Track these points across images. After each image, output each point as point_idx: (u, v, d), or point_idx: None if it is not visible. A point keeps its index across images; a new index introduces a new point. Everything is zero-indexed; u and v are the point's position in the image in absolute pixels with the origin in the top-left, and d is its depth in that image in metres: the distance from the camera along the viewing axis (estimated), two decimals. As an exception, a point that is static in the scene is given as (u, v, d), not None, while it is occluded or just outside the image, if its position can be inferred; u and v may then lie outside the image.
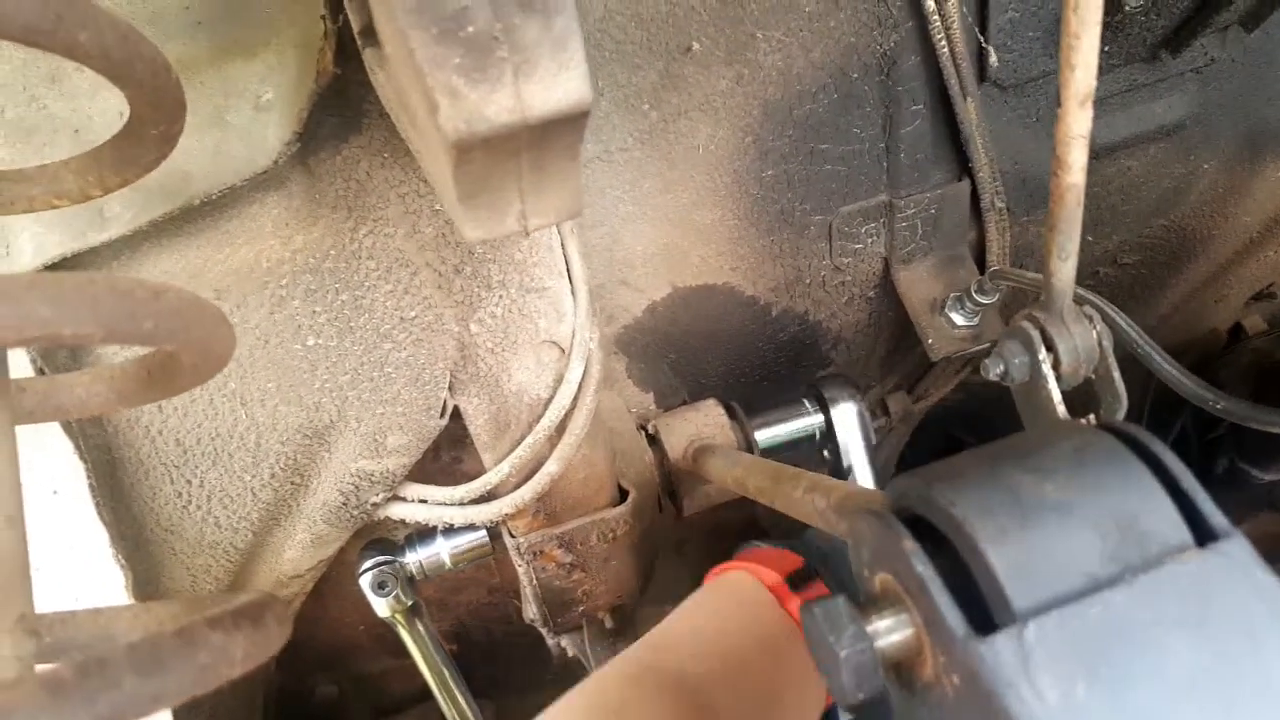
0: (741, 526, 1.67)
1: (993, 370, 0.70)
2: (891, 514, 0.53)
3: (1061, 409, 0.68)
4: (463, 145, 0.54)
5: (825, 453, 1.38)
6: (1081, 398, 0.72)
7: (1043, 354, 0.69)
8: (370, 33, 0.69)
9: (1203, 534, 0.47)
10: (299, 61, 0.82)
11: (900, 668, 0.53)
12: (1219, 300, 1.63)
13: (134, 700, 0.41)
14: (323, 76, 0.81)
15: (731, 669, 0.96)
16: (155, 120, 0.62)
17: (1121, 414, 0.70)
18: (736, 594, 1.06)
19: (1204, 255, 1.48)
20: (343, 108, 0.87)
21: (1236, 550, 0.46)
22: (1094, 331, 0.68)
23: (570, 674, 1.69)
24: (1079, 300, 0.74)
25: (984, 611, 0.47)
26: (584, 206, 1.13)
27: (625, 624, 1.53)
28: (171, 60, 0.80)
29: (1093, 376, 0.69)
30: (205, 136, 0.83)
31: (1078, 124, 0.61)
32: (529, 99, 0.54)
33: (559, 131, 0.58)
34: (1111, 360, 0.68)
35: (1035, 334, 0.69)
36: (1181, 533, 0.47)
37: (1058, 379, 0.68)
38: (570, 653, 1.60)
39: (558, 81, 0.54)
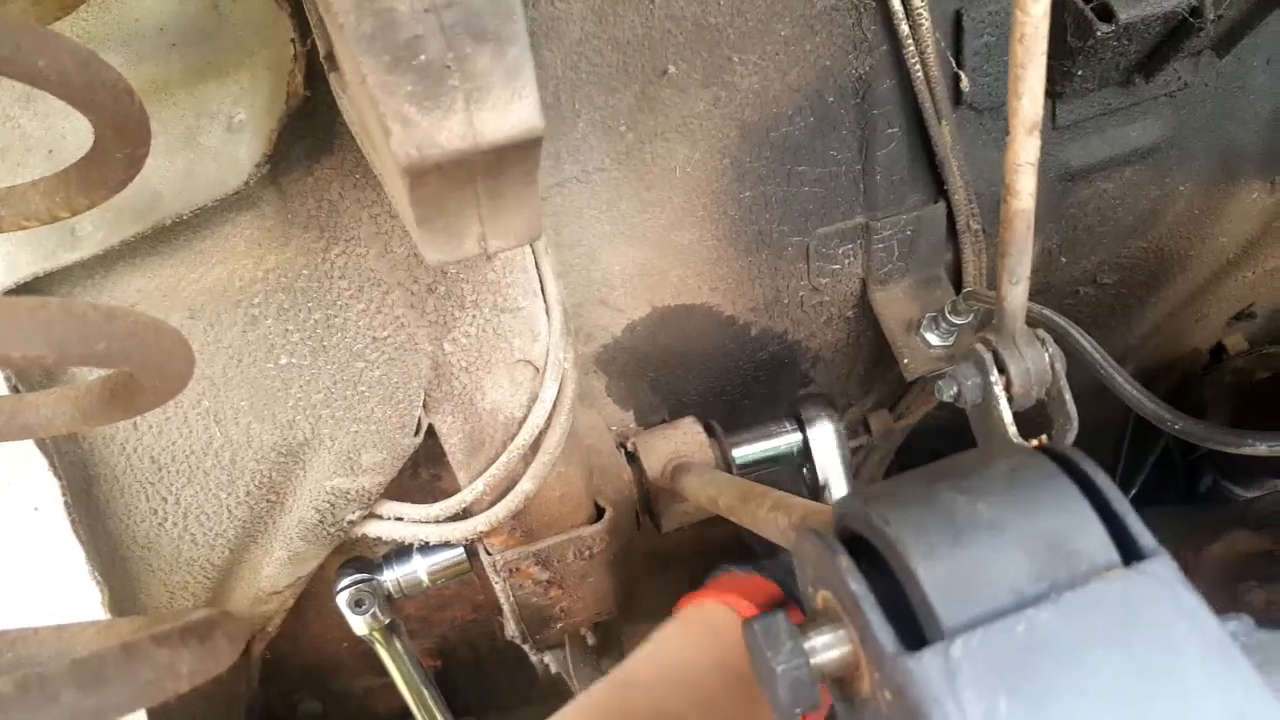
0: (726, 543, 1.68)
1: (946, 392, 0.71)
2: (832, 533, 0.54)
3: (1012, 430, 0.69)
4: (415, 171, 0.56)
5: (805, 471, 1.38)
6: (1038, 419, 0.73)
7: (994, 376, 0.70)
8: (333, 58, 0.70)
9: (1130, 553, 0.48)
10: (271, 83, 0.83)
11: (841, 683, 0.54)
12: (1200, 320, 1.64)
13: (73, 715, 0.42)
14: (293, 98, 0.82)
15: (707, 706, 0.95)
16: (120, 144, 0.63)
17: (1072, 435, 0.71)
18: (710, 626, 1.05)
19: (1182, 275, 1.49)
20: (314, 129, 0.88)
21: (1161, 570, 0.47)
22: (1046, 354, 0.69)
23: (555, 690, 1.70)
24: (1037, 322, 0.75)
25: (917, 629, 0.48)
26: (562, 226, 1.14)
27: (608, 641, 1.53)
28: (145, 81, 0.82)
29: (1045, 398, 0.70)
30: (178, 157, 0.84)
31: (1025, 152, 0.62)
32: (480, 126, 0.55)
33: (513, 158, 0.59)
34: (1063, 382, 0.69)
35: (988, 356, 0.70)
36: (1109, 552, 0.48)
37: (1009, 401, 0.69)
38: (554, 669, 1.61)
39: (510, 109, 0.56)
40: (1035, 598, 0.46)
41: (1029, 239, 0.66)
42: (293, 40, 0.80)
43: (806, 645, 0.51)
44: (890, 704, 0.47)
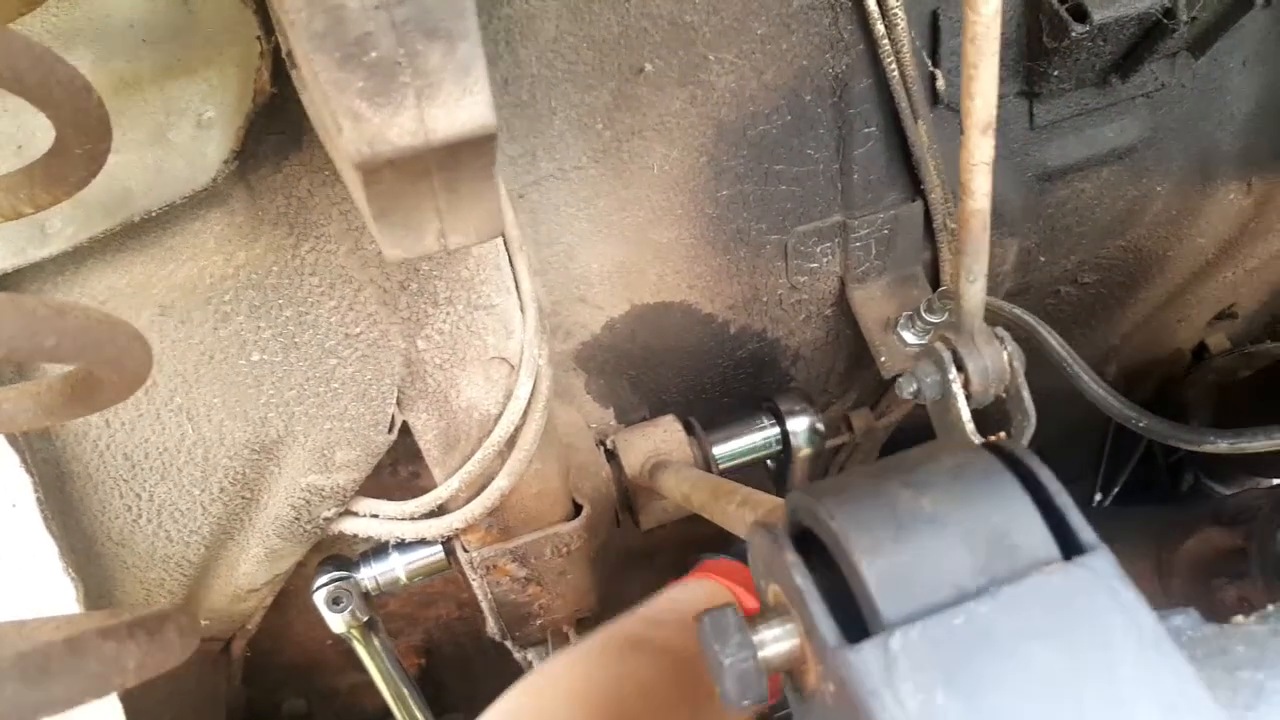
0: (707, 540, 1.68)
1: (905, 389, 0.71)
2: (783, 527, 0.54)
3: (970, 427, 0.70)
4: (367, 167, 0.56)
5: (769, 463, 1.39)
6: (997, 417, 0.73)
7: (953, 374, 0.70)
8: (293, 55, 0.70)
9: (1070, 548, 0.48)
10: (239, 80, 0.83)
11: (792, 676, 0.54)
12: (1181, 320, 1.64)
13: (16, 707, 0.42)
14: (260, 95, 0.83)
15: None
16: (79, 140, 0.63)
17: (1030, 432, 0.71)
18: (714, 592, 1.07)
19: (1162, 275, 1.50)
20: (282, 126, 0.89)
21: (1101, 564, 0.47)
22: (1004, 352, 0.69)
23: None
24: (999, 320, 0.75)
25: (862, 622, 0.48)
26: (540, 223, 1.15)
27: (590, 638, 1.53)
28: (115, 78, 0.82)
29: (1004, 396, 0.71)
30: (147, 154, 0.84)
31: (979, 151, 0.62)
32: (431, 123, 0.56)
33: (468, 154, 0.59)
34: (1021, 380, 0.69)
35: (946, 354, 0.70)
36: (1049, 546, 0.48)
37: (968, 398, 0.70)
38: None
39: (461, 106, 0.56)
40: (975, 591, 0.47)
41: (986, 238, 0.66)
42: (259, 38, 0.80)
43: (755, 638, 0.52)
44: (833, 695, 0.48)
